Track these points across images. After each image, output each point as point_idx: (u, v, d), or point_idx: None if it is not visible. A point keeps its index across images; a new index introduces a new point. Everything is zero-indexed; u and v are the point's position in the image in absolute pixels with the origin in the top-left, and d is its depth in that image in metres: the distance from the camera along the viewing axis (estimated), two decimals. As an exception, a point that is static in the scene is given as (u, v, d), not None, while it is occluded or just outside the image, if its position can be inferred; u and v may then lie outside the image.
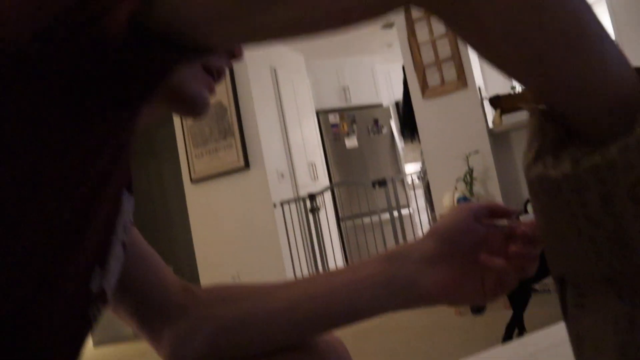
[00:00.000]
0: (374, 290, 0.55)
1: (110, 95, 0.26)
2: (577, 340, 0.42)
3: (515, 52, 0.30)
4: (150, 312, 0.55)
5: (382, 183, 3.60)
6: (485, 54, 0.32)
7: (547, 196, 0.40)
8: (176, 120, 4.63)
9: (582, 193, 0.37)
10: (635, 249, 0.37)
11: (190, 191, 4.60)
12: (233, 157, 4.36)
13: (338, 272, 0.58)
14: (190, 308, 0.56)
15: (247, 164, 4.31)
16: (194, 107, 0.46)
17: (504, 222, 0.56)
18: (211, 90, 0.47)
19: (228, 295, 0.58)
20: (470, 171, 3.50)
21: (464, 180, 3.52)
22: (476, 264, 0.53)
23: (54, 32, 0.23)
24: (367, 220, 4.53)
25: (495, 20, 0.28)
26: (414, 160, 6.00)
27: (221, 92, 4.32)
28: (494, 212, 0.56)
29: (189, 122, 4.53)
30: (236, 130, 4.33)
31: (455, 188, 3.54)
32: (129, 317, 0.55)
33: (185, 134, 4.55)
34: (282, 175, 4.47)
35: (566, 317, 0.44)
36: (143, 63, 0.25)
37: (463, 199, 3.41)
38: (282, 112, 4.69)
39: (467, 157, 3.50)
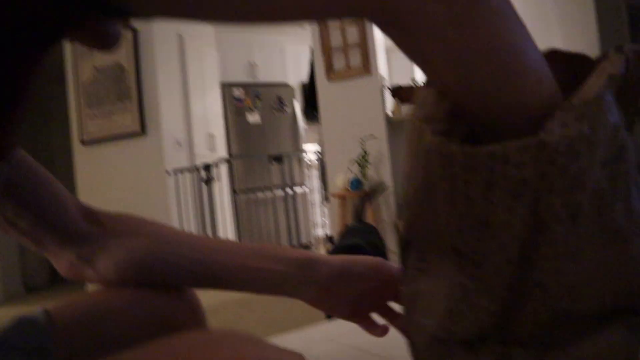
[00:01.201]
0: (276, 286, 0.60)
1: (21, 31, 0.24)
2: (411, 297, 0.45)
3: (435, 48, 0.32)
4: (47, 233, 0.54)
5: (278, 159, 3.64)
6: (410, 53, 0.33)
7: (433, 163, 0.41)
8: (70, 78, 4.36)
9: (471, 173, 0.39)
10: (496, 235, 0.40)
11: (80, 153, 4.36)
12: (128, 121, 4.19)
13: (253, 250, 0.61)
14: (95, 234, 0.56)
15: (143, 130, 4.16)
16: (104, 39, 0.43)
17: None
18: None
19: (140, 230, 0.59)
20: (365, 155, 3.64)
21: (358, 163, 3.65)
22: (361, 308, 0.65)
23: None
24: (261, 195, 4.56)
25: (425, 29, 0.30)
26: (313, 141, 6.11)
27: (120, 53, 4.13)
28: None
29: (83, 80, 4.28)
30: (134, 93, 4.16)
31: (349, 170, 3.67)
32: (22, 236, 0.53)
33: (79, 93, 4.30)
34: (179, 144, 4.37)
35: (404, 277, 0.48)
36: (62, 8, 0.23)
37: (355, 181, 3.54)
38: (186, 81, 4.58)
39: (363, 141, 3.64)
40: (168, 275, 0.58)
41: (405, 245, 0.48)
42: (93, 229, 0.56)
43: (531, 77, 0.35)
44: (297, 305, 2.56)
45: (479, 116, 0.39)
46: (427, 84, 0.42)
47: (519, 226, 0.39)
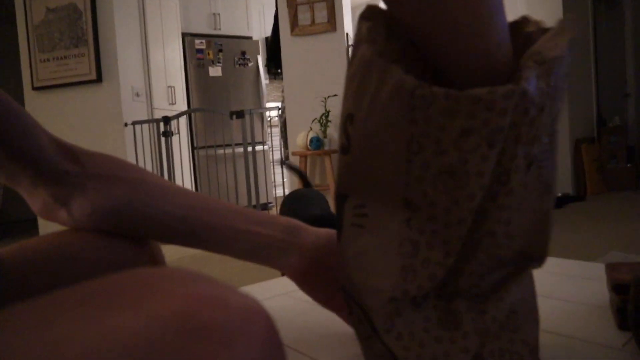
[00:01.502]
0: (260, 250, 0.57)
1: None
2: (357, 257, 0.43)
3: None
4: (20, 168, 0.50)
5: (240, 114, 3.59)
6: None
7: (400, 106, 0.38)
8: (20, 19, 4.12)
9: (449, 117, 0.37)
10: (464, 185, 0.39)
11: (32, 99, 4.18)
12: (84, 68, 4.02)
13: (237, 212, 0.58)
14: (72, 174, 0.52)
15: (99, 77, 4.01)
16: None
17: None
18: None
19: (122, 175, 0.55)
20: (327, 113, 3.63)
21: (319, 121, 3.64)
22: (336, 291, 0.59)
23: None
24: (220, 152, 4.50)
25: None
26: (276, 99, 6.03)
27: (76, -7, 3.92)
28: None
29: (35, 21, 4.05)
30: (90, 39, 3.98)
31: (310, 128, 3.66)
32: None
33: (30, 35, 4.08)
34: (137, 94, 4.24)
35: (340, 234, 0.46)
36: None
37: (316, 139, 3.54)
38: (145, 29, 4.40)
39: (325, 100, 3.62)
40: (146, 228, 0.55)
41: (341, 199, 0.46)
42: (70, 168, 0.52)
43: (499, 25, 0.36)
44: (249, 264, 2.55)
45: (443, 59, 0.38)
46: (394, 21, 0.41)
47: (487, 176, 0.39)
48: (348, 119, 0.43)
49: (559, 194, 4.53)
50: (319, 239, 0.59)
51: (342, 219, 0.45)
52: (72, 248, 0.53)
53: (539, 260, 0.46)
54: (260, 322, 0.25)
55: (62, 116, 4.10)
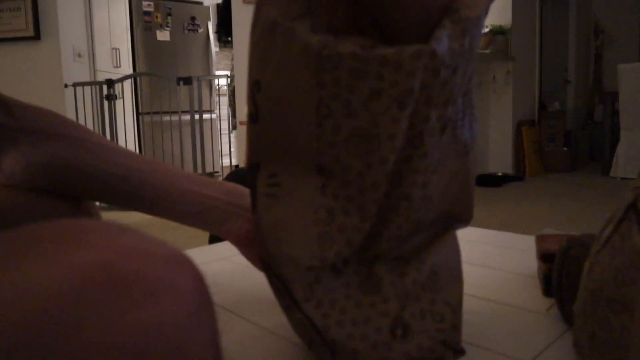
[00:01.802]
0: (204, 212, 0.55)
1: None
2: (272, 228, 0.42)
3: None
4: None
5: (187, 81, 3.49)
6: None
7: (307, 67, 0.37)
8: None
9: (357, 79, 0.36)
10: (376, 148, 0.38)
11: (-39, 54, 3.91)
12: (20, 23, 3.78)
13: (182, 174, 0.56)
14: (5, 128, 0.48)
15: (37, 35, 3.79)
16: None
17: None
18: None
19: (60, 131, 0.51)
20: (277, 85, 3.59)
21: (269, 93, 3.60)
22: None
23: None
24: (167, 119, 4.38)
25: None
26: (225, 68, 5.91)
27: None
28: None
29: (-34, -30, 3.77)
30: (28, -8, 3.75)
31: (260, 99, 3.61)
32: None
33: (-40, -16, 3.80)
34: (80, 55, 4.04)
35: (255, 206, 0.44)
36: None
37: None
38: (88, -14, 4.19)
39: (275, 71, 3.57)
40: (85, 187, 0.52)
41: (253, 170, 0.44)
42: (2, 119, 0.49)
43: None
44: (187, 229, 2.51)
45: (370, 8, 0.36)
46: None
47: (400, 138, 0.38)
48: (255, 86, 0.41)
49: (500, 173, 4.69)
50: None
51: (256, 190, 0.44)
52: (2, 205, 0.50)
53: (463, 222, 0.46)
54: (187, 274, 0.24)
55: (-4, 74, 3.87)
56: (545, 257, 0.61)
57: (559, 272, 0.54)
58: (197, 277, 0.25)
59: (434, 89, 0.37)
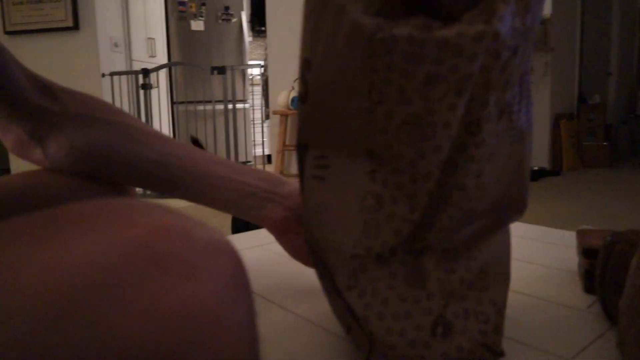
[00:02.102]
0: (243, 199, 0.55)
1: None
2: (318, 211, 0.41)
3: None
4: None
5: (221, 70, 3.51)
6: None
7: (358, 50, 0.35)
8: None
9: (414, 63, 0.34)
10: (431, 136, 0.36)
11: (4, 43, 4.03)
12: (60, 13, 3.87)
13: (219, 161, 0.56)
14: (49, 111, 0.49)
15: (76, 25, 3.87)
16: None
17: None
18: None
19: (104, 117, 0.52)
20: (310, 75, 3.58)
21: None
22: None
23: None
24: (201, 108, 4.43)
25: None
26: (258, 57, 5.92)
27: None
28: None
29: (9, -39, 3.87)
30: (67, -17, 3.82)
31: (292, 87, 3.61)
32: None
33: (3, -25, 3.90)
34: (116, 45, 4.12)
35: (303, 187, 0.43)
36: None
37: (297, 99, 3.50)
38: (126, -24, 4.25)
39: (308, 61, 3.56)
40: (126, 172, 0.53)
41: (302, 150, 0.43)
42: (47, 104, 0.49)
43: None
44: (223, 217, 2.54)
45: None
46: None
47: (455, 127, 0.36)
48: (305, 64, 0.39)
49: (535, 168, 4.59)
50: (295, 187, 0.58)
51: (303, 170, 0.42)
52: (47, 190, 0.51)
53: (518, 211, 0.43)
54: (226, 256, 0.24)
55: (36, 63, 3.97)
56: (587, 252, 0.59)
57: (603, 267, 0.52)
58: (235, 260, 0.25)
59: (494, 73, 0.35)
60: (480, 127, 0.37)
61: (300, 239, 0.59)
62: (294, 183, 0.58)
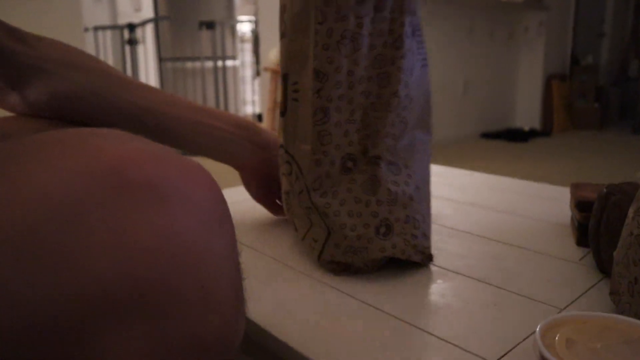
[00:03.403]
0: (224, 144, 0.58)
1: None
2: (295, 125, 0.52)
3: None
4: None
5: (210, 25, 3.43)
6: None
7: None
8: None
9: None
10: (359, 47, 0.48)
11: (-17, -5, 3.89)
12: (41, -36, 3.73)
13: (200, 107, 0.58)
14: (22, 54, 0.48)
15: (58, -24, 3.74)
16: None
17: None
18: None
19: (83, 63, 0.51)
20: (300, 32, 3.51)
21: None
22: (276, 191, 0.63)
23: None
24: (189, 65, 4.34)
25: None
26: (249, 13, 5.79)
27: None
28: None
29: None
30: None
31: (283, 46, 3.55)
32: None
33: None
34: (100, -2, 4.00)
35: (286, 109, 0.53)
36: None
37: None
38: None
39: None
40: (109, 117, 0.52)
41: (284, 79, 0.53)
42: (21, 49, 0.48)
43: None
44: (215, 173, 2.55)
45: None
46: None
47: (381, 39, 0.50)
48: (282, 8, 0.51)
49: (526, 128, 4.59)
50: (269, 137, 0.61)
51: (286, 95, 0.52)
52: (25, 133, 0.49)
53: (429, 133, 0.56)
54: (203, 184, 0.23)
55: (13, 18, 3.85)
56: (580, 205, 0.58)
57: (598, 219, 0.51)
58: (213, 188, 0.24)
59: None
60: (403, 42, 0.50)
61: (273, 187, 0.63)
62: (270, 132, 0.62)
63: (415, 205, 0.52)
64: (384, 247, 0.49)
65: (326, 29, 0.47)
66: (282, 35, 0.51)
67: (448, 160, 3.26)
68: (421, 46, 0.52)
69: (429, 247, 0.52)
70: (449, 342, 0.39)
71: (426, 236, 0.53)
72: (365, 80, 0.50)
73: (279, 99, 3.22)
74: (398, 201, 0.51)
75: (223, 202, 0.24)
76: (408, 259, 0.50)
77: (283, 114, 0.54)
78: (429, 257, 0.52)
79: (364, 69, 0.49)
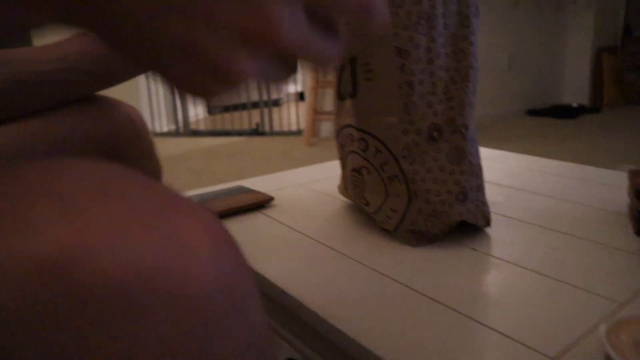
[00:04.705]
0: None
1: None
2: (372, 103, 0.57)
3: None
4: None
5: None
6: None
7: None
8: None
9: None
10: (434, 26, 0.54)
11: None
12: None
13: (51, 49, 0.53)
14: None
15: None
16: None
17: None
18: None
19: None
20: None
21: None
22: None
23: None
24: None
25: None
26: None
27: None
28: None
29: None
30: None
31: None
32: None
33: None
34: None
35: (356, 90, 0.58)
36: None
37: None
38: None
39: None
40: (31, 100, 0.50)
41: (352, 62, 0.58)
42: None
43: None
44: (260, 158, 2.55)
45: None
46: None
47: (452, 18, 0.56)
48: None
49: (575, 104, 4.44)
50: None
51: (356, 77, 0.58)
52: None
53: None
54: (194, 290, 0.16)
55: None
56: (640, 193, 0.57)
57: (659, 210, 0.50)
58: (222, 279, 0.18)
59: None
60: (470, 22, 0.56)
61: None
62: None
63: (482, 175, 0.60)
64: (461, 212, 0.57)
65: (405, 12, 0.53)
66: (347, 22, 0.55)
67: (493, 139, 3.18)
68: (477, 22, 0.58)
69: (489, 213, 0.61)
70: (508, 337, 0.40)
71: (486, 203, 0.61)
72: (442, 55, 0.56)
73: (320, 77, 3.19)
74: (474, 172, 0.58)
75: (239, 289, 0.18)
76: (475, 223, 0.58)
77: (353, 95, 0.59)
78: (488, 222, 0.60)
79: (441, 45, 0.55)
